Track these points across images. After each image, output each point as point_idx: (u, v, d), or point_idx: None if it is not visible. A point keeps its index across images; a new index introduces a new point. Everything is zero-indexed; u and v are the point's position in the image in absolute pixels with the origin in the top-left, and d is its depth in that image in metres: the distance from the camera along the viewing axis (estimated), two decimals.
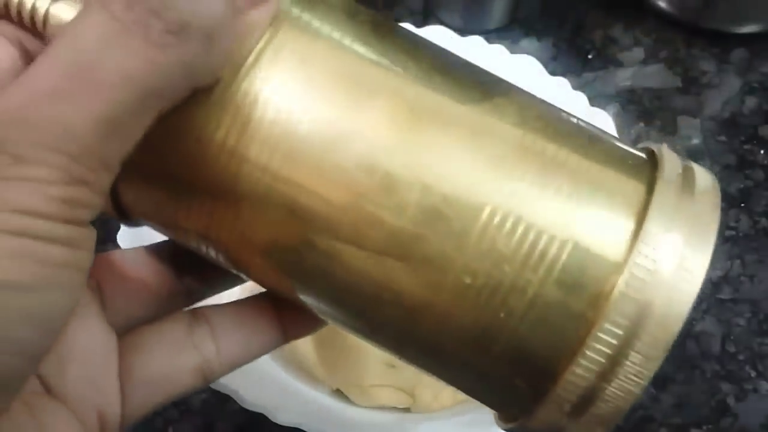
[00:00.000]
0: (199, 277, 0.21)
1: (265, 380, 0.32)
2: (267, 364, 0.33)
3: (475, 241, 0.16)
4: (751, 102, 0.47)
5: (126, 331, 0.19)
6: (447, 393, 0.33)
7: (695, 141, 0.45)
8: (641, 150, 0.18)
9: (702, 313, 0.38)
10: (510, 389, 0.17)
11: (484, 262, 0.16)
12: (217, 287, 0.22)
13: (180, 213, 0.17)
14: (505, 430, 0.19)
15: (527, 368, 0.16)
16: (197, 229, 0.17)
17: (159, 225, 0.19)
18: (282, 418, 0.27)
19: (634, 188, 0.16)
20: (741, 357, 0.37)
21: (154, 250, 0.21)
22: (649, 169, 0.17)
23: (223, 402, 0.34)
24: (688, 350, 0.37)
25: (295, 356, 0.34)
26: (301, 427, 0.27)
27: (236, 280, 0.22)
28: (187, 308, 0.21)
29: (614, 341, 0.16)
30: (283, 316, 0.21)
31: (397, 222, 0.16)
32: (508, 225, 0.16)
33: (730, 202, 0.42)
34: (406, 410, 0.33)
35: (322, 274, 0.17)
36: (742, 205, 0.42)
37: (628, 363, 0.16)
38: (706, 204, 0.16)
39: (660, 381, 0.36)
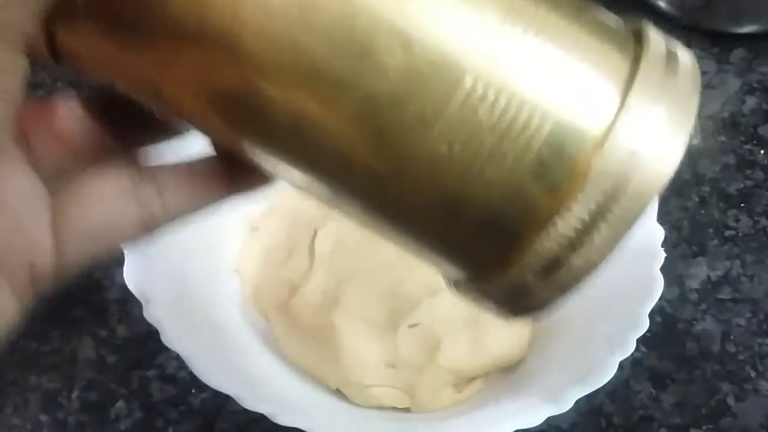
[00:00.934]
0: (135, 128, 0.20)
1: (265, 380, 0.32)
2: (267, 364, 0.33)
3: (455, 109, 0.15)
4: (751, 102, 0.47)
5: (59, 182, 0.19)
6: (447, 393, 0.33)
7: (695, 141, 0.45)
8: (627, 25, 0.18)
9: (702, 313, 0.38)
10: (474, 255, 0.17)
11: (463, 131, 0.15)
12: (155, 139, 0.21)
13: (118, 53, 0.16)
14: (460, 292, 0.18)
15: (496, 236, 0.16)
16: (135, 72, 0.17)
17: (95, 69, 0.18)
18: (282, 419, 0.27)
19: (620, 62, 0.16)
20: (741, 357, 0.37)
21: (88, 100, 0.20)
22: (634, 45, 0.17)
23: (223, 402, 0.34)
24: (688, 350, 0.37)
25: (295, 356, 0.34)
26: (301, 427, 0.27)
27: (175, 132, 0.21)
28: (131, 164, 0.20)
29: (586, 215, 0.16)
30: (234, 172, 0.20)
31: (373, 84, 0.15)
32: (490, 93, 0.15)
33: (729, 202, 0.42)
34: (406, 410, 0.33)
35: (287, 131, 0.16)
36: (742, 205, 0.42)
37: (596, 235, 0.16)
38: (688, 83, 0.16)
39: (660, 381, 0.36)
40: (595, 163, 0.15)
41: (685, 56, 0.17)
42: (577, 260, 0.17)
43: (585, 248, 0.16)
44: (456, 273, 0.18)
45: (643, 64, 0.16)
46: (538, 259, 0.16)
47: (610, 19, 0.18)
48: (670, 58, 0.17)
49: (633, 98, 0.16)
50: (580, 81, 0.16)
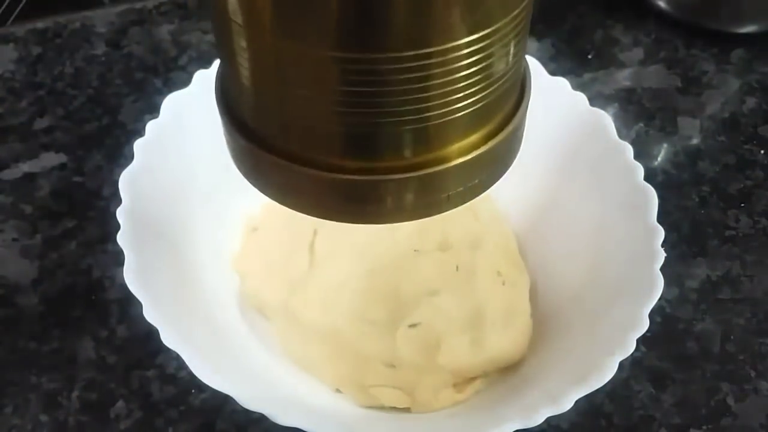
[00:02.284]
0: None
1: (265, 380, 0.32)
2: (267, 364, 0.33)
3: None
4: (750, 102, 0.47)
5: None
6: (447, 393, 0.33)
7: (695, 141, 0.45)
8: None
9: (702, 313, 0.38)
10: None
11: None
12: None
13: None
14: None
15: None
16: None
17: None
18: (282, 419, 0.27)
19: None
20: (741, 357, 0.37)
21: None
22: None
23: (223, 402, 0.34)
24: (687, 350, 0.37)
25: (295, 356, 0.34)
26: (301, 427, 0.27)
27: None
28: None
29: None
30: None
31: None
32: None
33: (729, 201, 0.42)
34: (406, 410, 0.33)
35: None
36: (742, 205, 0.42)
37: None
38: None
39: (659, 381, 0.36)
40: None
41: None
42: None
43: None
44: None
45: None
46: None
47: None
48: None
49: None
50: None
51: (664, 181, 0.43)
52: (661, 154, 0.44)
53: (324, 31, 0.15)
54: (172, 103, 0.34)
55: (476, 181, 0.19)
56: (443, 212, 0.19)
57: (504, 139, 0.19)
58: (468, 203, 0.38)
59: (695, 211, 0.42)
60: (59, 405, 0.34)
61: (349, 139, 0.17)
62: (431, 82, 0.16)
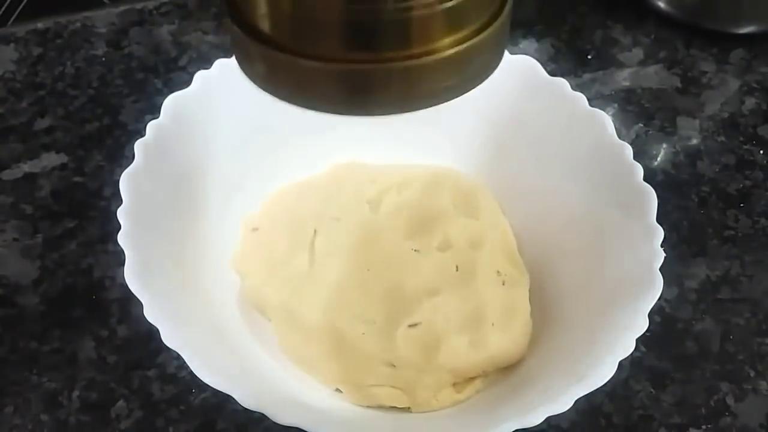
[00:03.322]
0: None
1: (265, 380, 0.32)
2: (267, 364, 0.33)
3: None
4: (750, 102, 0.47)
5: None
6: (447, 393, 0.33)
7: (694, 141, 0.45)
8: None
9: (701, 313, 0.38)
10: None
11: None
12: None
13: None
14: None
15: None
16: None
17: None
18: (282, 418, 0.27)
19: None
20: (740, 357, 0.37)
21: None
22: None
23: (223, 402, 0.34)
24: (687, 350, 0.37)
25: (295, 356, 0.34)
26: (301, 427, 0.27)
27: None
28: None
29: None
30: None
31: None
32: None
33: (729, 202, 0.42)
34: (406, 410, 0.33)
35: None
36: (741, 205, 0.42)
37: None
38: None
39: (659, 380, 0.36)
40: None
41: None
42: None
43: None
44: None
45: None
46: None
47: None
48: None
49: None
50: None
51: (664, 182, 0.43)
52: (661, 155, 0.44)
53: None
54: (172, 103, 0.34)
55: (468, 74, 0.20)
56: (441, 103, 0.20)
57: (492, 33, 0.20)
58: (468, 203, 0.38)
59: (695, 211, 0.42)
60: (60, 405, 0.34)
61: (350, 29, 0.18)
62: None
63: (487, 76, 0.21)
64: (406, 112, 0.20)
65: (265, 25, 0.19)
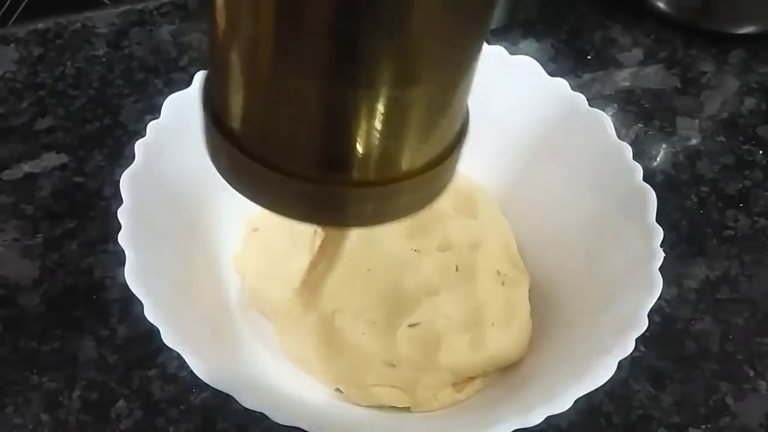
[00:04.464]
0: None
1: (265, 380, 0.32)
2: (267, 364, 0.33)
3: None
4: (749, 102, 0.47)
5: None
6: (447, 393, 0.33)
7: (694, 141, 0.45)
8: None
9: (701, 312, 0.38)
10: None
11: None
12: None
13: None
14: None
15: None
16: None
17: None
18: (282, 418, 0.27)
19: None
20: (740, 356, 0.37)
21: None
22: None
23: (224, 402, 0.34)
24: (686, 350, 0.37)
25: (295, 356, 0.34)
26: (301, 427, 0.27)
27: None
28: None
29: None
30: None
31: None
32: None
33: (728, 202, 0.42)
34: (406, 410, 0.33)
35: None
36: (741, 205, 0.42)
37: None
38: None
39: (659, 380, 0.36)
40: None
41: None
42: None
43: None
44: None
45: None
46: None
47: None
48: None
49: None
50: None
51: (663, 182, 0.43)
52: (660, 155, 0.44)
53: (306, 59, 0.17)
54: (172, 103, 0.34)
55: (420, 196, 0.22)
56: (396, 220, 0.21)
57: (444, 168, 0.21)
58: (468, 203, 0.38)
59: (694, 212, 0.42)
60: (60, 404, 0.34)
61: (322, 154, 0.19)
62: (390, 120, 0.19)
63: (436, 197, 0.22)
64: (370, 226, 0.21)
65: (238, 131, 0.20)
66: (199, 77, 0.35)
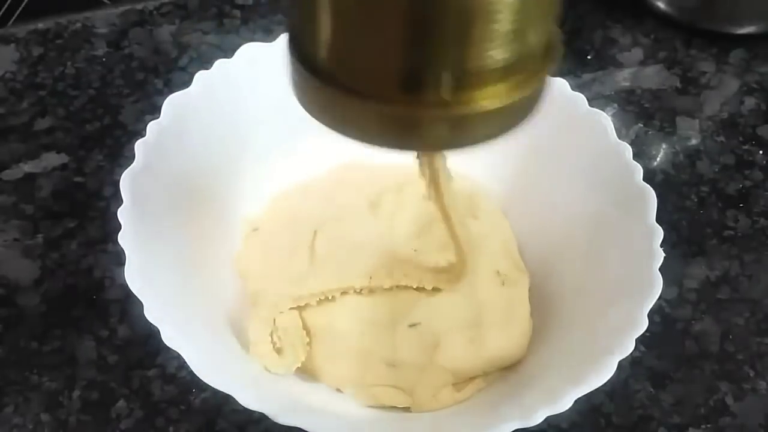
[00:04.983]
0: None
1: (265, 380, 0.32)
2: None
3: None
4: (749, 102, 0.47)
5: None
6: (447, 393, 0.33)
7: (694, 141, 0.45)
8: None
9: (701, 312, 0.38)
10: None
11: None
12: None
13: None
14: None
15: None
16: None
17: None
18: (282, 418, 0.27)
19: None
20: (740, 357, 0.37)
21: None
22: None
23: (223, 402, 0.34)
24: (686, 350, 0.37)
25: None
26: (301, 427, 0.27)
27: None
28: None
29: None
30: None
31: None
32: None
33: (728, 202, 0.42)
34: (406, 410, 0.33)
35: None
36: (741, 205, 0.42)
37: None
38: None
39: (658, 380, 0.36)
40: None
41: None
42: None
43: None
44: None
45: None
46: None
47: None
48: None
49: None
50: None
51: (663, 182, 0.43)
52: (660, 155, 0.44)
53: None
54: (172, 103, 0.34)
55: (501, 126, 0.22)
56: (475, 145, 0.22)
57: (528, 95, 0.22)
58: (468, 203, 0.38)
59: (694, 212, 0.42)
60: (60, 404, 0.34)
61: (402, 76, 0.20)
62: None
63: (517, 126, 0.23)
64: (448, 150, 0.22)
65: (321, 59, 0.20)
66: (200, 77, 0.35)
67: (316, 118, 0.22)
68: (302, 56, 0.21)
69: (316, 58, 0.21)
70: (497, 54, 0.20)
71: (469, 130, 0.21)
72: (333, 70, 0.20)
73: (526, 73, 0.21)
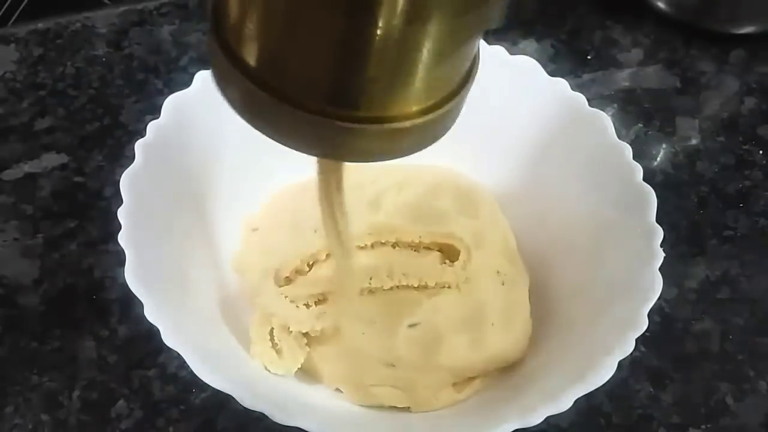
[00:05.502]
0: None
1: (265, 380, 0.32)
2: None
3: None
4: (749, 102, 0.47)
5: None
6: (447, 393, 0.33)
7: (694, 141, 0.45)
8: None
9: (701, 313, 0.38)
10: None
11: None
12: None
13: None
14: None
15: None
16: None
17: None
18: (282, 418, 0.27)
19: None
20: (740, 357, 0.37)
21: None
22: None
23: (223, 402, 0.34)
24: (686, 350, 0.37)
25: None
26: (301, 427, 0.27)
27: None
28: None
29: None
30: None
31: None
32: None
33: (728, 202, 0.42)
34: (406, 410, 0.33)
35: None
36: (741, 205, 0.42)
37: None
38: None
39: (659, 380, 0.36)
40: None
41: None
42: None
43: None
44: None
45: None
46: None
47: None
48: None
49: None
50: None
51: (663, 182, 0.43)
52: (660, 155, 0.44)
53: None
54: (172, 103, 0.34)
55: (420, 138, 0.23)
56: (396, 158, 0.23)
57: (446, 111, 0.22)
58: (468, 203, 0.38)
59: (694, 212, 0.42)
60: (60, 404, 0.34)
61: (333, 88, 0.20)
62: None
63: (435, 140, 0.23)
64: (373, 161, 0.23)
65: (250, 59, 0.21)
66: (200, 77, 0.35)
67: (236, 111, 0.23)
68: (226, 45, 0.21)
69: (241, 51, 0.21)
70: (416, 80, 0.20)
71: (395, 144, 0.22)
72: (258, 69, 0.21)
73: (444, 95, 0.22)
